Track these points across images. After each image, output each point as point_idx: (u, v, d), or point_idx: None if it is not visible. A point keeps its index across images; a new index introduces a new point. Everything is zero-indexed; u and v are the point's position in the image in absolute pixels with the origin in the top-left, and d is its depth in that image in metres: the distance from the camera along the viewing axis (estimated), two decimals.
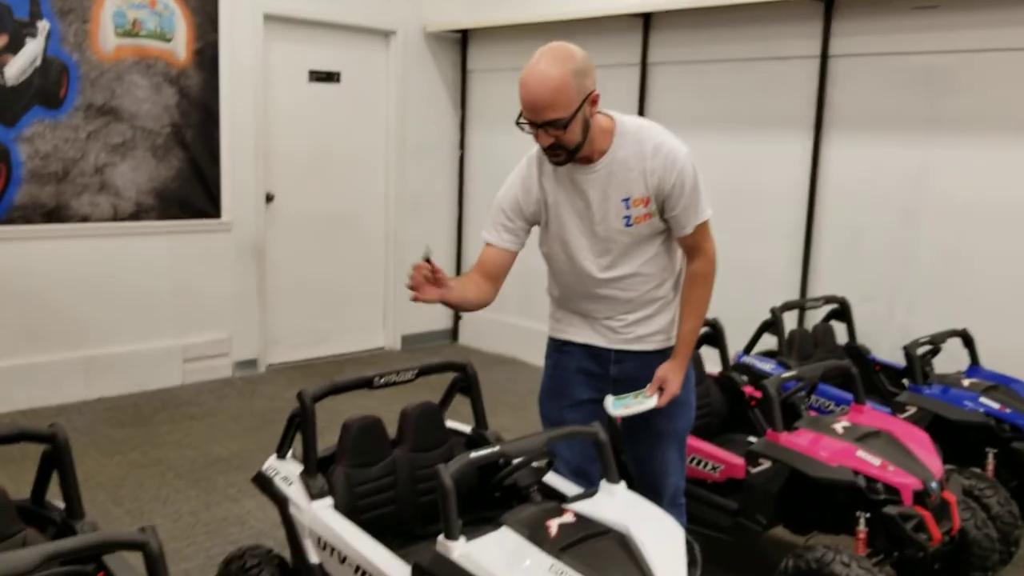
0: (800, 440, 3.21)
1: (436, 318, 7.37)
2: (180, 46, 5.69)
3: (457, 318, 7.45)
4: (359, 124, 6.73)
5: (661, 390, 2.72)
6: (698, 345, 4.04)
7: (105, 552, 2.06)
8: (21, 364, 5.25)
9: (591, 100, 2.50)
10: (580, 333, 2.86)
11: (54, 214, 5.33)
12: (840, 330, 4.68)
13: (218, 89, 5.86)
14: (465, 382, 3.15)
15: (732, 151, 5.43)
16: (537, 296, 6.71)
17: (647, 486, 2.88)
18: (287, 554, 2.86)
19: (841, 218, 5.10)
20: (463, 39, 7.09)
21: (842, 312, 4.71)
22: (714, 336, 4.02)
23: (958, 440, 3.84)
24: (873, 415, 3.49)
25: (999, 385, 4.03)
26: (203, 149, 5.86)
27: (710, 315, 3.93)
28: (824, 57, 5.03)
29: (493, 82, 6.96)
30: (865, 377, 4.25)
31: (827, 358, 4.43)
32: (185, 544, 3.77)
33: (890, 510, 3.00)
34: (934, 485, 3.10)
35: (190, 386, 5.95)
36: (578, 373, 2.86)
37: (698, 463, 3.42)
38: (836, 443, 3.18)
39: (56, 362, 5.41)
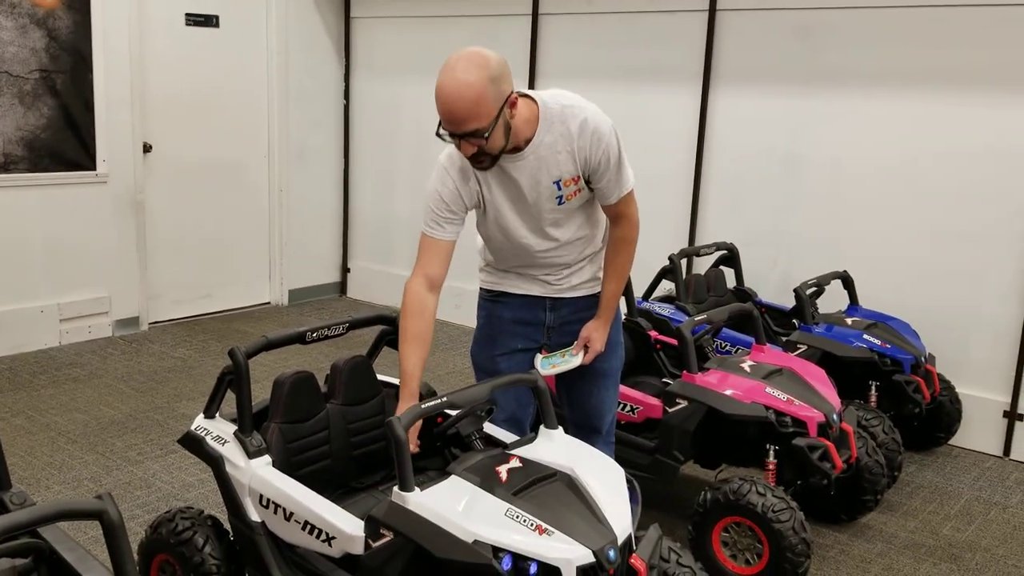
0: (712, 380, 3.38)
1: (323, 272, 7.25)
2: None
3: (345, 271, 7.35)
4: (240, 71, 6.48)
5: (586, 349, 2.84)
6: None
7: (62, 521, 1.98)
8: None
9: (510, 103, 2.45)
10: (515, 285, 2.91)
11: None
12: (729, 275, 4.91)
13: (90, 32, 5.50)
14: (393, 335, 3.13)
15: (623, 102, 5.53)
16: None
17: (585, 426, 2.97)
18: (218, 514, 2.81)
19: (727, 168, 5.30)
20: None
21: (731, 257, 4.93)
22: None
23: (845, 375, 4.12)
24: (773, 354, 3.70)
25: (878, 323, 4.34)
26: (75, 96, 5.51)
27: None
28: (712, 11, 5.18)
29: (378, 29, 6.82)
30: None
31: (719, 302, 4.65)
32: None
33: (799, 441, 3.21)
34: (835, 417, 3.34)
35: (69, 347, 5.66)
36: (512, 323, 2.90)
37: (619, 406, 3.54)
38: (746, 381, 3.36)
39: None
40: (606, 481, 2.45)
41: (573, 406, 3.01)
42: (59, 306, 5.65)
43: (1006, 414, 4.53)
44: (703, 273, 4.82)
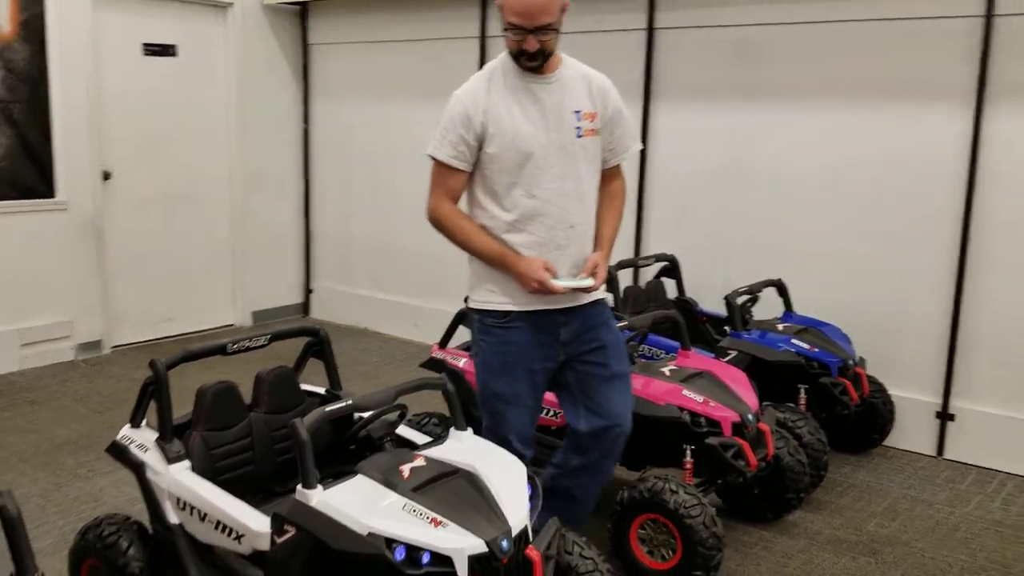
0: (631, 383, 3.49)
1: (286, 293, 7.37)
2: (2, 17, 5.45)
3: (308, 291, 7.47)
4: (198, 99, 6.62)
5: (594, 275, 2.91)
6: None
7: None
8: None
9: (563, 8, 2.78)
10: (524, 299, 2.90)
11: None
12: (671, 285, 5.04)
13: (46, 63, 5.65)
14: (318, 346, 3.27)
15: None
16: (388, 268, 6.85)
17: (611, 429, 3.00)
18: (145, 521, 2.91)
19: (670, 180, 5.44)
20: (303, 12, 7.06)
21: (672, 268, 5.06)
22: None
23: (775, 379, 4.25)
24: (697, 359, 3.82)
25: (810, 328, 4.47)
26: (33, 126, 5.65)
27: None
28: (650, 30, 5.34)
29: (335, 55, 6.98)
30: (693, 327, 4.62)
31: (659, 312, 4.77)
32: (36, 525, 3.73)
33: (712, 440, 3.34)
34: (750, 417, 3.46)
35: (29, 371, 5.76)
36: (530, 345, 2.94)
37: (542, 411, 3.65)
38: (663, 384, 3.49)
39: None
40: (506, 477, 2.56)
41: (596, 412, 3.00)
42: (19, 331, 5.75)
43: (938, 414, 4.66)
44: (643, 285, 4.95)
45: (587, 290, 2.88)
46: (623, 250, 5.59)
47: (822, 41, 4.79)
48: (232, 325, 7.05)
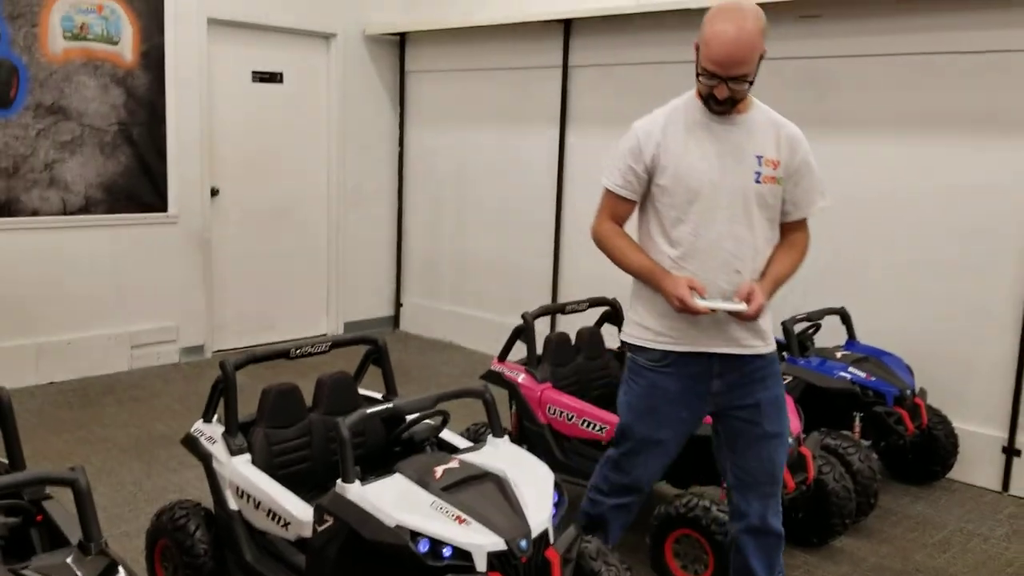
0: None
1: (378, 306, 7.73)
2: (127, 49, 5.99)
3: (398, 306, 7.81)
4: (301, 122, 7.07)
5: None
6: (599, 323, 4.47)
7: (37, 485, 2.41)
8: None
9: (761, 57, 2.69)
10: (683, 339, 2.83)
11: (5, 208, 5.61)
12: None
13: (164, 89, 6.16)
14: (376, 354, 3.53)
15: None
16: (470, 283, 7.12)
17: (757, 486, 2.94)
18: (212, 507, 3.21)
19: None
20: (401, 41, 7.45)
21: None
22: (613, 314, 4.42)
23: (829, 406, 4.29)
24: None
25: (870, 357, 4.49)
26: (150, 146, 6.16)
27: (610, 293, 4.36)
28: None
29: (429, 82, 7.33)
30: None
31: None
32: (127, 509, 4.10)
33: None
34: (790, 441, 3.53)
35: (137, 371, 6.25)
36: (680, 393, 2.88)
37: (588, 425, 3.82)
38: None
39: (7, 348, 5.69)
40: (533, 483, 2.75)
41: (747, 469, 2.94)
42: (130, 334, 6.25)
43: (1004, 449, 4.59)
44: None
45: (739, 317, 2.74)
46: None
47: (894, 71, 4.81)
48: (326, 335, 7.45)
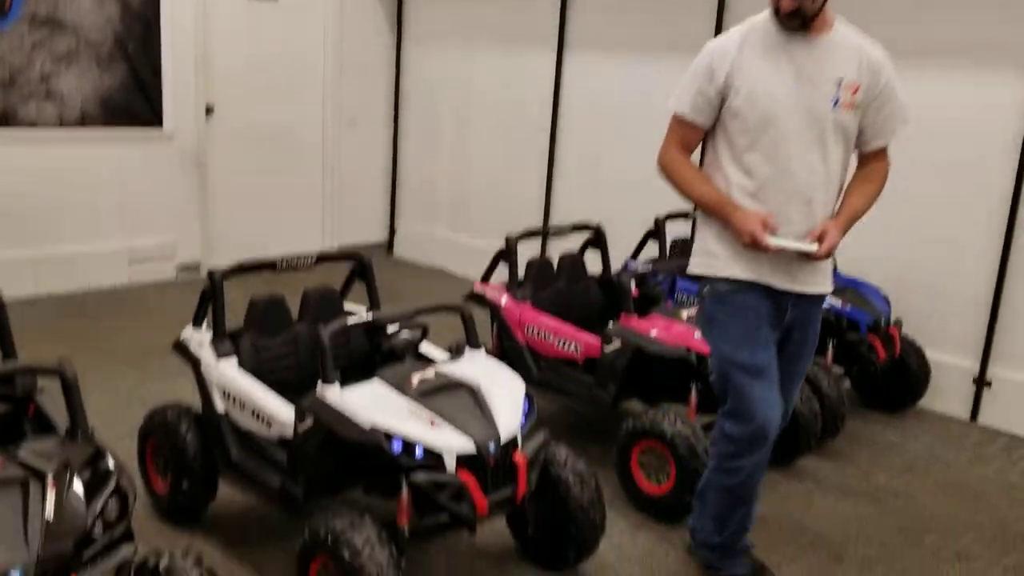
0: (647, 324, 3.74)
1: (372, 231, 7.81)
2: None
3: (392, 231, 7.89)
4: (298, 41, 7.06)
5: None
6: (583, 249, 4.56)
7: (25, 374, 2.54)
8: None
9: None
10: (757, 270, 2.73)
11: (3, 118, 5.66)
12: None
13: (159, 3, 6.15)
14: (362, 269, 3.64)
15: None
16: (465, 210, 7.19)
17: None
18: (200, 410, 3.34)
19: None
20: None
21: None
22: (597, 240, 4.51)
23: None
24: None
25: (847, 286, 4.58)
26: (144, 61, 6.18)
27: (597, 219, 4.44)
28: None
29: (427, 3, 7.29)
30: None
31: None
32: (123, 414, 4.24)
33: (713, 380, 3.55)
34: None
35: (136, 286, 6.37)
36: (763, 312, 2.77)
37: (563, 344, 3.94)
38: (678, 326, 3.72)
39: (6, 259, 5.80)
40: (505, 392, 2.89)
41: None
42: (129, 249, 6.36)
43: (975, 380, 4.71)
44: None
45: (809, 257, 2.66)
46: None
47: (877, 2, 4.81)
48: None
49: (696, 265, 2.86)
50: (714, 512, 2.97)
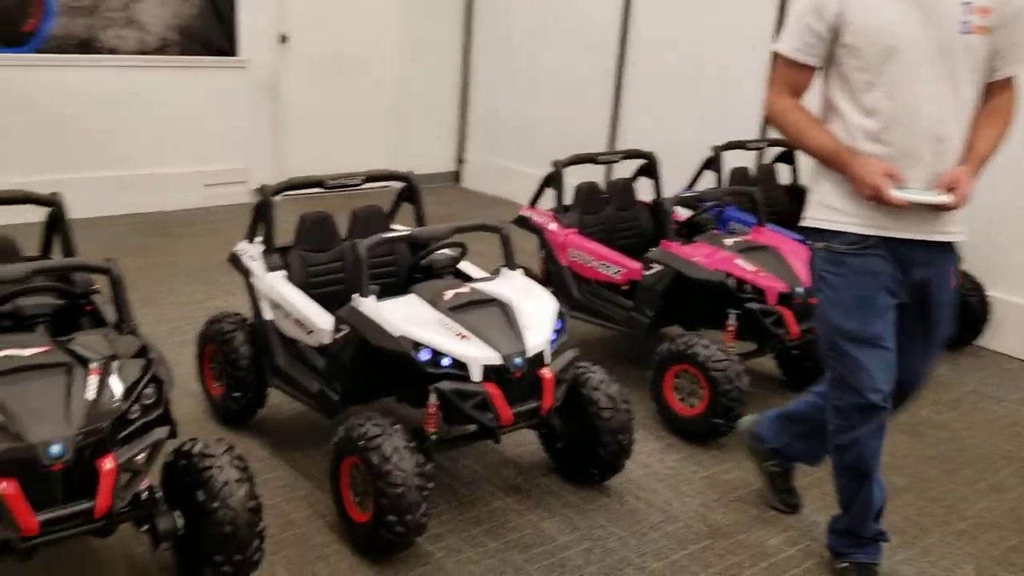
0: (688, 249, 3.76)
1: (440, 161, 7.92)
2: None
3: (460, 162, 7.98)
4: None
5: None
6: (635, 176, 4.57)
7: (75, 271, 2.73)
8: (58, 179, 5.85)
9: None
10: (880, 222, 2.47)
11: (86, 45, 5.92)
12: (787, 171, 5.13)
13: None
14: (409, 191, 3.72)
15: None
16: (533, 140, 7.22)
17: (905, 385, 2.68)
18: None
19: None
20: None
21: (787, 155, 5.14)
22: (650, 168, 4.52)
23: None
24: (770, 235, 4.01)
25: None
26: None
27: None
28: None
29: None
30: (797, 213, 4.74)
31: (769, 196, 4.90)
32: (188, 323, 4.49)
33: (752, 306, 3.57)
34: (799, 290, 3.64)
35: (210, 208, 6.63)
36: (887, 278, 2.52)
37: (604, 267, 4.00)
38: (719, 252, 3.73)
39: (91, 179, 6.10)
40: (536, 310, 2.97)
41: (902, 368, 2.62)
42: (203, 173, 6.61)
43: None
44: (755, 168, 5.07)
45: (940, 208, 2.41)
46: (731, 125, 5.64)
47: None
48: (387, 186, 7.68)
49: (811, 219, 2.61)
50: (838, 495, 2.76)
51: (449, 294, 2.94)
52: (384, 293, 3.02)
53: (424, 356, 2.73)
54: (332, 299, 3.37)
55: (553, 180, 4.24)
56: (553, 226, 4.21)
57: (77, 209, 5.92)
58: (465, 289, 3.00)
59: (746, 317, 3.62)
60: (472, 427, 2.87)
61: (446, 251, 3.44)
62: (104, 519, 2.16)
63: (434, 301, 2.91)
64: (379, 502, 2.60)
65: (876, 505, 2.74)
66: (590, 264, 4.05)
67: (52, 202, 2.98)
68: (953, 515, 3.20)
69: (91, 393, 2.16)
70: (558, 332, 2.96)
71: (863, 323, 2.52)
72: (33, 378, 2.15)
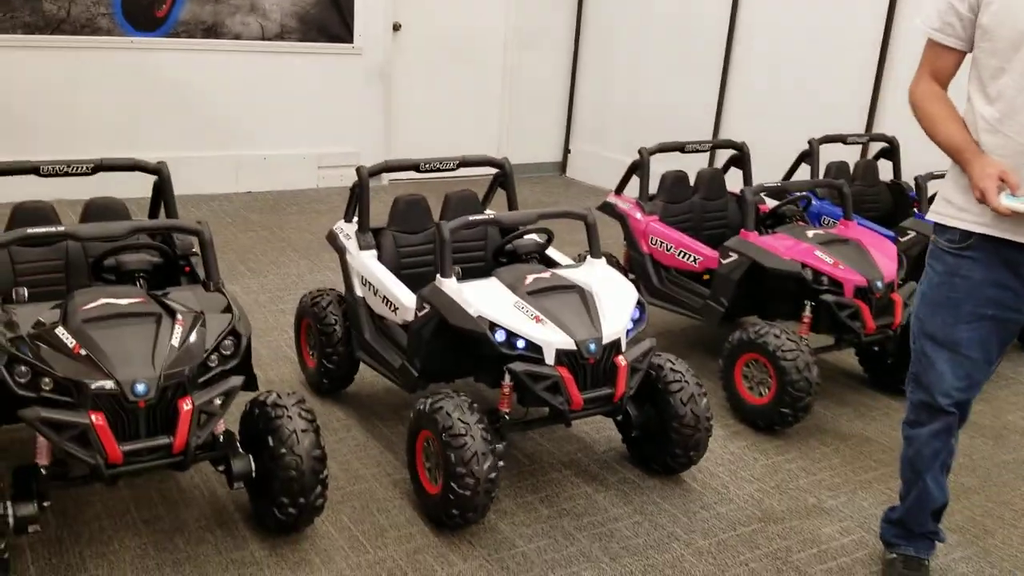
0: (768, 240, 3.77)
1: (546, 151, 8.04)
2: None
3: (566, 152, 8.09)
4: None
5: None
6: (726, 167, 4.58)
7: (171, 232, 2.98)
8: (183, 157, 6.31)
9: None
10: (987, 219, 2.33)
11: (212, 31, 6.31)
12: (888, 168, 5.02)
13: None
14: (503, 177, 3.77)
15: None
16: (639, 132, 7.26)
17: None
18: None
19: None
20: None
21: (891, 150, 5.03)
22: (740, 159, 4.52)
23: None
24: (855, 229, 3.96)
25: None
26: None
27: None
28: None
29: None
30: (904, 209, 4.67)
31: (862, 191, 4.83)
32: (288, 293, 4.77)
33: (827, 298, 3.55)
34: (879, 284, 3.60)
35: (323, 189, 6.96)
36: (984, 285, 2.40)
37: (683, 255, 4.04)
38: (799, 244, 3.72)
39: (212, 158, 6.51)
40: (615, 298, 2.99)
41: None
42: (318, 155, 6.94)
43: None
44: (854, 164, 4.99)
45: None
46: (836, 118, 5.55)
47: None
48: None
49: (933, 212, 2.52)
50: (901, 485, 2.74)
51: (530, 279, 2.98)
52: (472, 275, 3.10)
53: (499, 337, 2.79)
54: (422, 279, 3.32)
55: (638, 168, 4.30)
56: (637, 214, 4.27)
57: (199, 185, 6.42)
58: (546, 275, 3.03)
59: (822, 310, 3.60)
60: (545, 410, 2.90)
61: (533, 236, 3.50)
62: (181, 455, 2.38)
63: (514, 285, 2.95)
64: (448, 473, 2.66)
65: (934, 504, 2.70)
66: (670, 252, 4.09)
67: (158, 171, 3.23)
68: (1022, 520, 3.12)
69: (176, 341, 2.39)
70: (636, 321, 2.98)
71: (945, 326, 2.46)
72: (126, 324, 2.39)
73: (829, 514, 3.07)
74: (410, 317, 3.13)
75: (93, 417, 2.23)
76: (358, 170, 3.57)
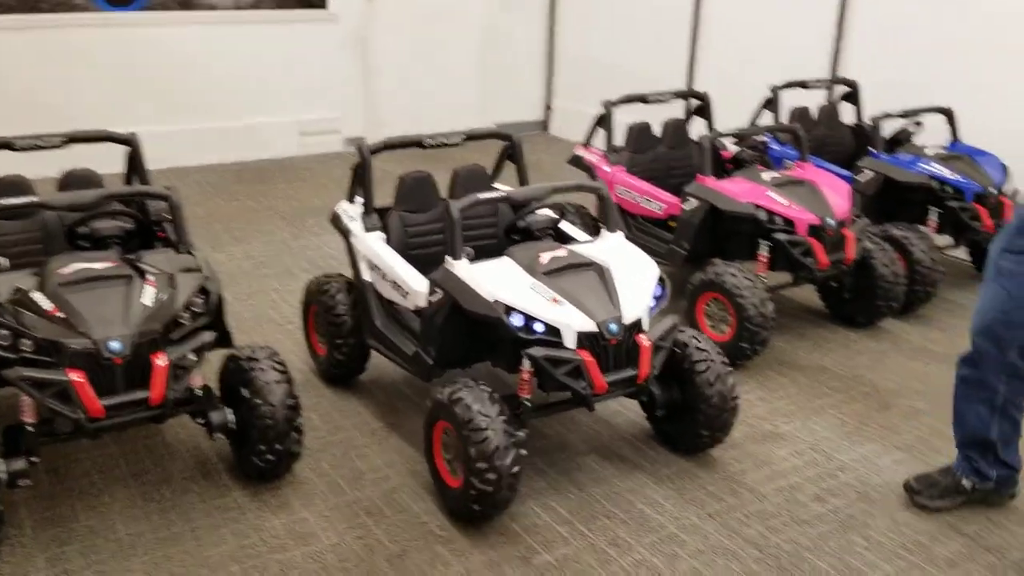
0: (724, 184, 3.90)
1: (527, 109, 8.13)
2: None
3: (548, 109, 8.17)
4: None
5: None
6: (688, 116, 4.70)
7: (140, 197, 3.10)
8: (166, 130, 6.45)
9: None
10: None
11: (187, 3, 6.40)
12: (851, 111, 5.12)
13: None
14: (512, 150, 3.59)
15: None
16: (621, 87, 7.28)
17: None
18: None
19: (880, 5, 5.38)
20: None
21: (852, 94, 5.13)
22: (703, 108, 4.63)
23: (907, 200, 4.37)
24: (810, 170, 4.09)
25: (963, 155, 4.46)
26: None
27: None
28: None
29: None
30: (864, 149, 4.77)
31: (825, 135, 4.94)
32: (272, 259, 4.92)
33: (780, 236, 3.69)
34: (831, 221, 3.74)
35: (305, 156, 7.07)
36: None
37: (648, 203, 4.17)
38: (753, 186, 3.85)
39: (194, 130, 6.62)
40: (634, 275, 2.89)
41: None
42: (299, 122, 7.05)
43: None
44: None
45: None
46: (804, 65, 5.61)
47: None
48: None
49: None
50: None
51: (545, 257, 2.85)
52: (484, 254, 2.98)
53: (517, 322, 2.68)
54: (432, 260, 3.16)
55: (603, 120, 4.42)
56: (604, 165, 4.40)
57: (183, 157, 6.54)
58: (562, 252, 2.90)
59: (777, 248, 3.74)
60: (567, 394, 2.77)
61: (547, 211, 3.30)
62: (159, 407, 2.54)
63: (529, 265, 2.83)
64: (470, 468, 2.57)
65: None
66: (636, 201, 4.23)
67: (128, 141, 3.36)
68: None
69: (148, 300, 2.54)
70: (657, 298, 2.89)
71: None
72: (100, 287, 2.55)
73: (783, 438, 3.24)
74: (422, 302, 2.97)
75: (72, 375, 2.39)
76: (359, 147, 3.41)
